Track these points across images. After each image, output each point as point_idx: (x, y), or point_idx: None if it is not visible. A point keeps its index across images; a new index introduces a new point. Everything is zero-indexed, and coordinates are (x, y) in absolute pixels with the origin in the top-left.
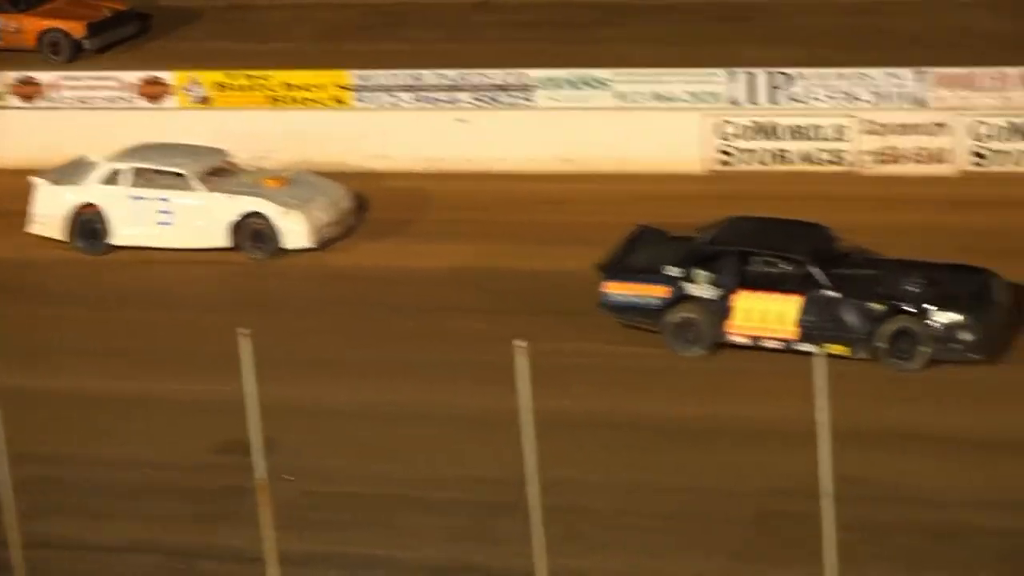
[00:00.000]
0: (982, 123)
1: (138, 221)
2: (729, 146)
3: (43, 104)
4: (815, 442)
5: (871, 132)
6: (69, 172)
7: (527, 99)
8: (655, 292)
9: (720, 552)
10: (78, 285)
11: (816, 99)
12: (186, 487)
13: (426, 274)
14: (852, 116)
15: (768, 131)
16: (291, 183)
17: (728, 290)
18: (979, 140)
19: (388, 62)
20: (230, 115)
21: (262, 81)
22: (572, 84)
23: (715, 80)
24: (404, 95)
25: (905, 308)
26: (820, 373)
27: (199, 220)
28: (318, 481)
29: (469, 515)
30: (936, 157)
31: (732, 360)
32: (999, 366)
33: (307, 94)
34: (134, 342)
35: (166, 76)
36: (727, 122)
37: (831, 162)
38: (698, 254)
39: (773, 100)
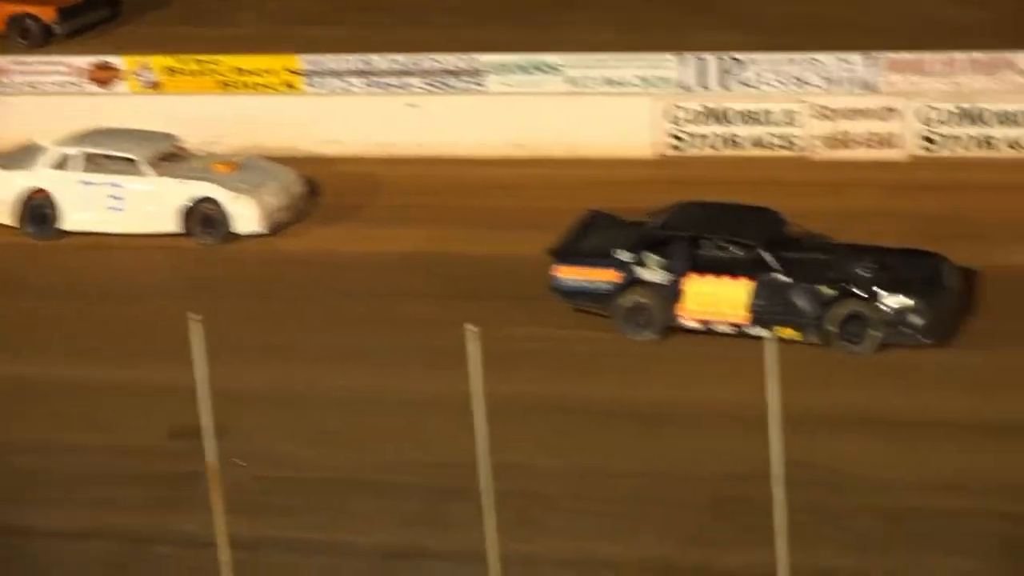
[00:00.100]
0: (932, 108)
1: (88, 206)
2: (680, 131)
3: None
4: (767, 426)
5: (822, 117)
6: (19, 157)
7: (478, 84)
8: (606, 277)
9: (673, 536)
10: (28, 270)
11: (767, 84)
12: (138, 472)
13: (377, 259)
14: (803, 101)
15: (719, 116)
16: (242, 168)
17: (679, 275)
18: (929, 125)
19: (339, 47)
20: (180, 100)
21: (212, 66)
22: (523, 69)
23: (666, 65)
24: (355, 80)
25: (856, 292)
26: (771, 357)
27: (150, 205)
28: (269, 466)
29: (421, 499)
30: (886, 142)
31: (684, 344)
32: (949, 350)
33: (258, 79)
34: (84, 328)
35: (116, 61)
36: (678, 107)
37: (782, 147)
38: (649, 239)
39: (724, 85)
